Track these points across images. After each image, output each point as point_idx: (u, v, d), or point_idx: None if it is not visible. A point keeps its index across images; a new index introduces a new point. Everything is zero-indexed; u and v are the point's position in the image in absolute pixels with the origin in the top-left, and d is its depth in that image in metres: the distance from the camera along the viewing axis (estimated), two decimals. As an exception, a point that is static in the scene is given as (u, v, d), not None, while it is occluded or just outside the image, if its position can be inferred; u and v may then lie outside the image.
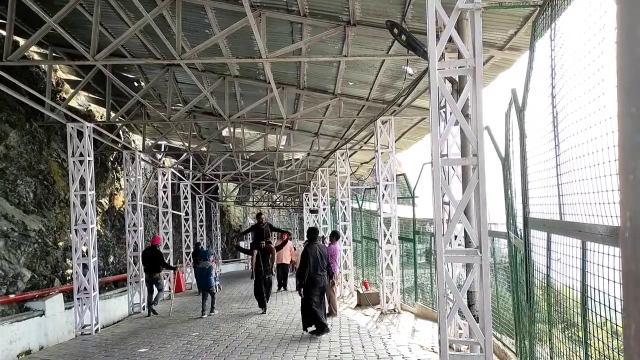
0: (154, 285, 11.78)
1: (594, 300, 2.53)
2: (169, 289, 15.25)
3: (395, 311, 9.94)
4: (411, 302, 10.77)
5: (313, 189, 20.00)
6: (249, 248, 12.05)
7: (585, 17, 2.37)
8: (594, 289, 2.49)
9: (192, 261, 17.15)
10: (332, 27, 6.98)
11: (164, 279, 13.98)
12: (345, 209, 14.65)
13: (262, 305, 10.64)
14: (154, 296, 11.78)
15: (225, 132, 15.76)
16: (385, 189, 10.21)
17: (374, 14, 6.72)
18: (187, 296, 15.78)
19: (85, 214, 9.54)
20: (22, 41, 9.56)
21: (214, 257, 12.80)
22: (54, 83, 11.79)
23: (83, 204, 9.60)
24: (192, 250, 18.92)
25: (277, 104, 9.88)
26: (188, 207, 19.28)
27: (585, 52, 2.36)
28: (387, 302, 10.05)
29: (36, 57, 11.15)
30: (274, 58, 6.98)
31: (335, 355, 6.56)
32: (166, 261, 12.56)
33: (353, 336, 7.69)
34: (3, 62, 6.58)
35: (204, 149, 17.30)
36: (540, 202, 3.64)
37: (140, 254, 12.17)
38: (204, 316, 10.70)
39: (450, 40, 4.01)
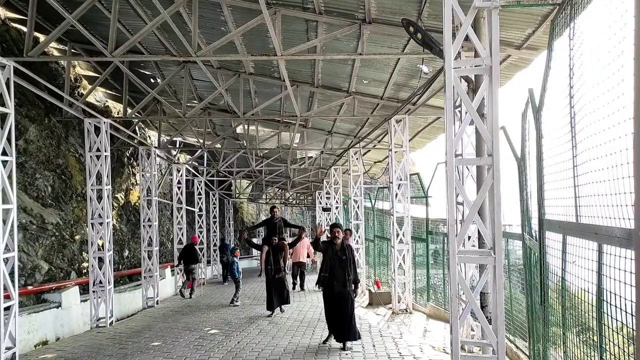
0: (190, 274, 13.98)
1: (610, 304, 2.48)
2: (182, 283, 15.45)
3: (406, 311, 9.91)
4: (423, 302, 10.72)
5: (326, 187, 20.02)
6: (260, 244, 11.12)
7: (605, 15, 2.33)
8: (611, 292, 2.45)
9: (217, 255, 19.17)
10: (347, 25, 6.97)
11: (178, 273, 15.34)
12: (357, 207, 14.63)
13: (270, 307, 9.80)
14: (192, 283, 14.00)
15: (239, 129, 15.85)
16: (398, 188, 10.17)
17: (390, 12, 6.68)
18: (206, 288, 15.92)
19: (102, 208, 9.68)
20: (42, 37, 9.73)
21: (239, 251, 13.36)
22: (72, 79, 11.99)
23: (99, 198, 9.74)
24: (207, 245, 19.32)
25: (291, 101, 9.90)
26: (202, 203, 19.44)
27: (605, 52, 2.32)
28: (398, 302, 10.01)
29: (55, 53, 11.35)
30: (288, 56, 6.99)
31: (347, 353, 6.56)
32: (198, 257, 14.72)
33: (364, 335, 7.67)
34: (24, 58, 6.71)
35: (218, 145, 17.42)
36: (556, 203, 3.59)
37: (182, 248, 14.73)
38: (233, 304, 11.71)
39: (467, 38, 3.97)
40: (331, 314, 6.93)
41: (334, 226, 7.21)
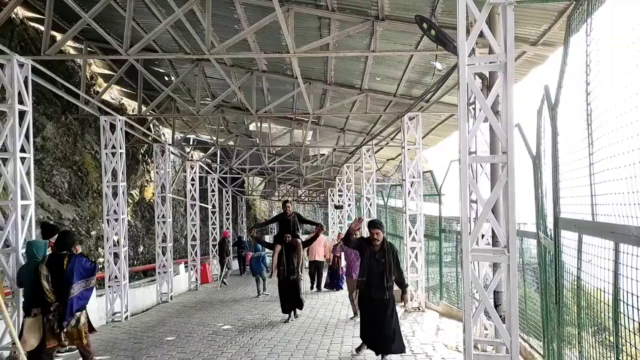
0: (224, 266, 16.24)
1: (627, 304, 2.45)
2: (196, 279, 15.61)
3: (419, 309, 9.86)
4: (436, 300, 10.67)
5: (338, 184, 20.01)
6: (272, 241, 9.87)
7: (623, 10, 2.29)
8: (627, 292, 2.42)
9: (236, 250, 20.63)
10: (360, 22, 6.94)
11: (191, 269, 15.63)
12: (370, 205, 14.60)
13: (285, 310, 9.01)
14: (223, 272, 16.20)
15: (252, 127, 15.92)
16: (411, 186, 10.12)
17: (403, 9, 6.64)
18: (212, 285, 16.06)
19: (117, 204, 9.81)
20: (59, 36, 9.89)
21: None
22: (88, 77, 12.16)
23: (115, 194, 9.88)
24: (217, 242, 19.56)
25: (304, 99, 9.91)
26: (215, 200, 19.58)
27: (623, 47, 2.28)
28: (411, 300, 9.97)
29: (72, 51, 11.51)
30: (301, 53, 7.00)
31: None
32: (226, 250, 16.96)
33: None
34: (41, 57, 6.82)
35: (231, 143, 17.53)
36: (571, 201, 3.54)
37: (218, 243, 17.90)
38: (259, 297, 12.59)
39: (481, 35, 3.92)
40: (368, 323, 6.05)
41: (373, 225, 6.06)
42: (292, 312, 9.10)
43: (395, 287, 6.08)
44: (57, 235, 5.83)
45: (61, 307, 5.30)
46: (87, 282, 5.48)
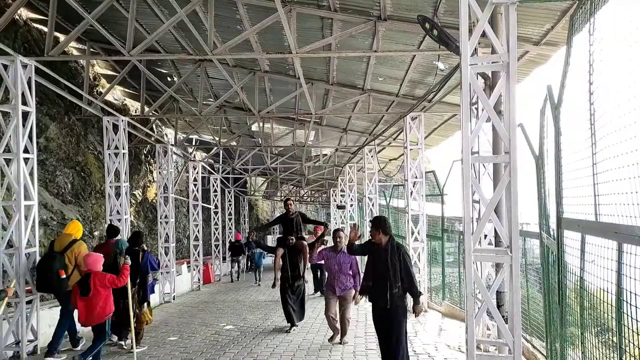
0: (237, 264, 18.29)
1: (630, 305, 2.44)
2: (198, 280, 15.63)
3: (421, 309, 9.85)
4: (438, 300, 10.65)
5: (340, 184, 20.01)
6: (275, 245, 9.09)
7: (626, 9, 2.29)
8: (631, 292, 2.41)
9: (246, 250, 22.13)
10: (362, 22, 6.95)
11: (194, 269, 15.63)
12: (372, 205, 14.59)
13: (289, 319, 8.17)
14: (236, 269, 18.25)
15: (254, 127, 15.94)
16: (413, 186, 10.11)
17: (405, 9, 6.64)
18: (216, 285, 16.07)
19: (120, 205, 9.83)
20: (62, 37, 9.92)
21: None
22: (91, 78, 12.19)
23: (117, 195, 9.90)
24: (229, 242, 19.67)
25: (306, 99, 9.91)
26: (217, 201, 19.60)
27: (626, 46, 2.27)
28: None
29: (75, 52, 11.55)
30: (303, 53, 7.00)
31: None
32: (241, 250, 18.58)
33: (378, 333, 7.65)
34: (44, 57, 6.84)
35: (234, 143, 17.54)
36: (574, 202, 3.53)
37: (229, 244, 20.30)
38: (256, 285, 15.49)
39: (484, 35, 3.92)
40: (379, 333, 5.36)
41: (372, 222, 5.50)
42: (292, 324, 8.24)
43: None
44: (131, 235, 7.41)
45: (141, 293, 6.73)
46: (153, 273, 6.88)
